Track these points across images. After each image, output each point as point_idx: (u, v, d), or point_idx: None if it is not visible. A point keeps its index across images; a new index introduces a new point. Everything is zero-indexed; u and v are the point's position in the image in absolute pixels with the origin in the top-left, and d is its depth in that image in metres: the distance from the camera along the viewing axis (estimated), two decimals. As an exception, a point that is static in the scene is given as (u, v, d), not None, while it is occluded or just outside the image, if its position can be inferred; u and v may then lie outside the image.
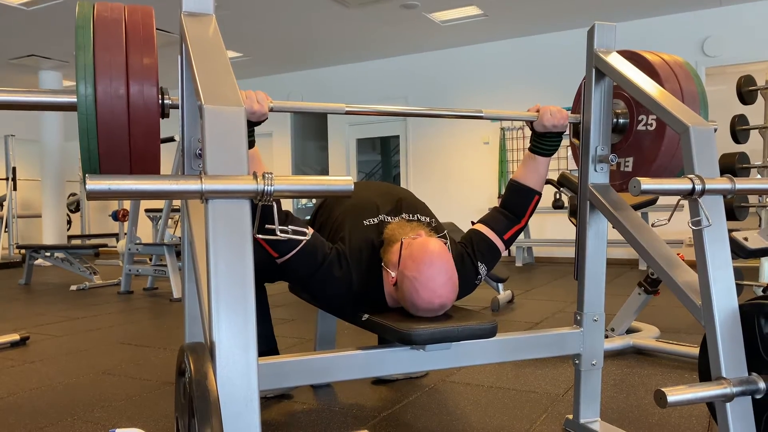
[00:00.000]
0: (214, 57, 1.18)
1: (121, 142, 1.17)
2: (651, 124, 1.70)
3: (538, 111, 1.74)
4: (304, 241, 1.59)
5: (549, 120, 1.72)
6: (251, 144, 1.51)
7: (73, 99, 1.17)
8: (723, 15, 6.60)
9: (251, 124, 1.46)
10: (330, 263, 1.64)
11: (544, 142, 1.77)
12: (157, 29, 1.25)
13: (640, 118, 1.73)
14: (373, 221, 1.79)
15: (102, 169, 1.21)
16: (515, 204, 1.82)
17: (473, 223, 1.87)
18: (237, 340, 0.94)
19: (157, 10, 1.25)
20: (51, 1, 6.03)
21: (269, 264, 1.87)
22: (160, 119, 1.24)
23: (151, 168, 1.24)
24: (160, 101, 1.22)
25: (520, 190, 1.81)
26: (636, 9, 6.61)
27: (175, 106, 1.33)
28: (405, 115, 1.70)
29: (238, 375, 0.93)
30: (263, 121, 1.47)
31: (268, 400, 2.22)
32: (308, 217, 2.12)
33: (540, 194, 1.82)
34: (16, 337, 3.26)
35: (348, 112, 1.58)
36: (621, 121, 1.76)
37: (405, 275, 1.58)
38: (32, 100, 1.24)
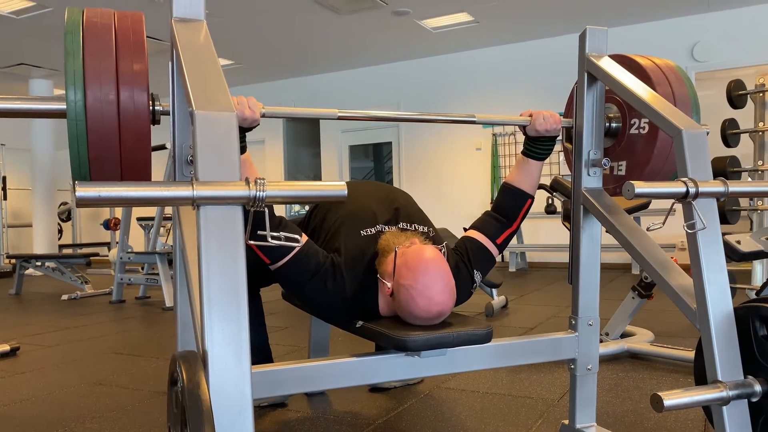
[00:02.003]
0: (206, 62, 1.17)
1: (111, 148, 1.16)
2: (643, 128, 1.70)
3: (531, 116, 1.74)
4: (298, 248, 1.57)
5: (542, 125, 1.72)
6: (243, 149, 1.50)
7: (62, 106, 1.16)
8: (712, 20, 6.65)
9: (243, 130, 1.45)
10: (324, 273, 1.61)
11: (537, 146, 1.77)
12: (147, 37, 1.24)
13: (632, 121, 1.73)
14: (371, 231, 1.75)
15: (92, 175, 1.19)
16: (508, 207, 1.81)
17: (465, 230, 1.86)
18: (230, 348, 0.93)
19: (148, 17, 1.25)
20: (41, 10, 6.01)
21: (264, 267, 1.85)
22: (152, 126, 1.23)
23: (143, 174, 1.23)
24: (151, 107, 1.21)
25: (513, 193, 1.80)
26: (625, 15, 6.66)
27: (166, 113, 1.31)
28: (397, 120, 1.70)
29: (231, 384, 0.91)
30: (255, 126, 1.46)
31: (262, 409, 2.20)
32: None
33: (533, 198, 1.81)
34: (6, 347, 3.23)
35: (340, 118, 1.58)
36: (613, 125, 1.76)
37: (401, 284, 1.55)
38: (21, 107, 1.21)
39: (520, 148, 1.84)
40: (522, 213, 1.81)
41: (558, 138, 1.79)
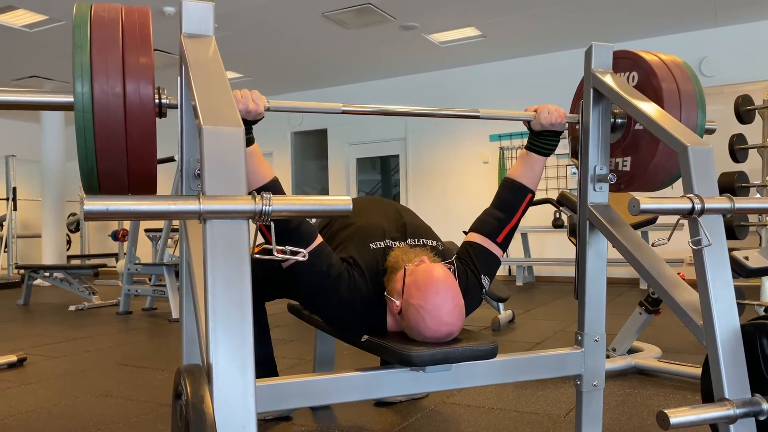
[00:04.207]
0: (214, 78, 1.18)
1: (118, 139, 1.17)
2: None
3: (535, 111, 1.75)
4: (313, 246, 1.57)
5: (546, 118, 1.72)
6: (250, 142, 1.52)
7: (70, 99, 1.17)
8: (720, 35, 6.66)
9: (247, 123, 1.47)
10: (339, 278, 1.61)
11: (541, 141, 1.77)
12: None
13: None
14: (380, 245, 1.75)
15: (99, 166, 1.21)
16: (507, 201, 1.80)
17: (465, 233, 1.85)
18: (234, 362, 0.93)
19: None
20: (53, 24, 6.09)
21: (271, 279, 1.84)
22: (157, 120, 1.24)
23: (148, 166, 1.24)
24: (157, 100, 1.23)
25: (514, 187, 1.80)
26: (632, 30, 6.68)
27: (172, 106, 1.33)
28: (401, 115, 1.70)
29: (235, 398, 0.92)
30: (259, 120, 1.49)
31: (266, 422, 2.19)
32: None
33: (533, 193, 1.80)
34: (13, 358, 3.24)
35: (345, 112, 1.61)
36: (618, 120, 1.77)
37: (410, 304, 1.54)
38: (31, 99, 1.23)
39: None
40: (522, 208, 1.79)
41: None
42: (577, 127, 1.91)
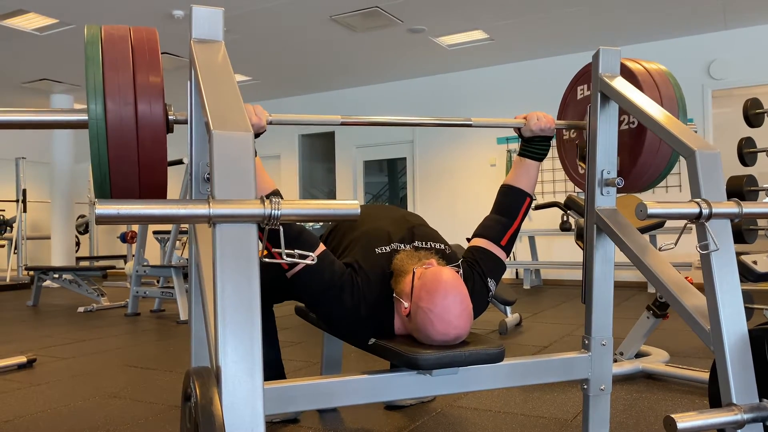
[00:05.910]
0: (223, 83, 1.19)
1: (130, 154, 1.22)
2: (633, 123, 1.76)
3: (525, 118, 1.80)
4: (316, 253, 1.58)
5: (536, 124, 1.78)
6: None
7: (83, 117, 1.22)
8: (729, 38, 6.63)
9: None
10: (341, 285, 1.62)
11: (532, 146, 1.83)
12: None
13: (622, 117, 1.78)
14: (386, 249, 1.76)
15: (112, 178, 1.24)
16: (507, 206, 1.84)
17: (469, 240, 1.87)
18: (243, 365, 0.94)
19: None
20: (63, 27, 6.14)
21: (278, 283, 1.86)
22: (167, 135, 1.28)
23: (159, 177, 1.27)
24: (166, 117, 1.26)
25: (512, 191, 1.85)
26: (641, 32, 6.66)
27: (180, 122, 1.36)
28: (396, 125, 1.73)
29: (243, 400, 0.92)
30: (261, 133, 1.51)
31: (274, 425, 2.20)
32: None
33: (531, 197, 1.85)
34: (22, 359, 3.26)
35: (343, 123, 1.63)
36: None
37: (419, 306, 1.55)
38: (45, 119, 1.27)
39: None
40: (522, 212, 1.84)
41: (553, 139, 1.84)
42: (564, 137, 1.95)
